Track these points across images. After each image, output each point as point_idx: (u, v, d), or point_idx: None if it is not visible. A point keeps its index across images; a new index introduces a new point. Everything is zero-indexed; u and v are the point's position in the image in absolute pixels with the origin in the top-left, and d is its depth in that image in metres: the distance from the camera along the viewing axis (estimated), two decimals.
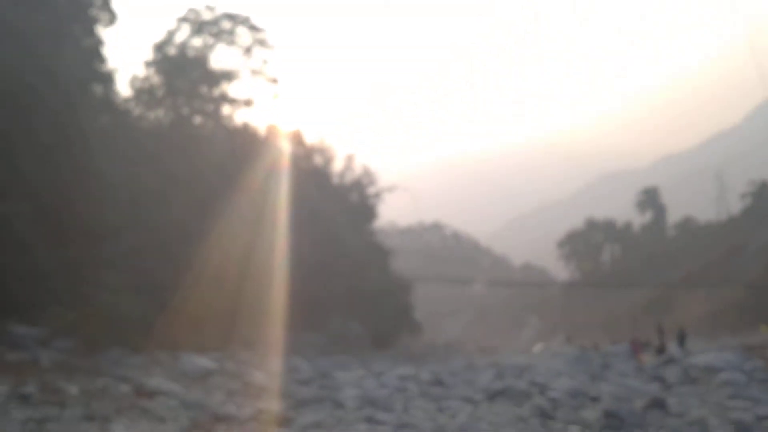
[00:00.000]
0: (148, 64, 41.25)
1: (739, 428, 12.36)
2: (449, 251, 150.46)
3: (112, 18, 30.37)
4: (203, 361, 20.69)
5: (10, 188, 22.44)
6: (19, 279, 21.22)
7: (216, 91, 42.30)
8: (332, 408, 15.76)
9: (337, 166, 56.75)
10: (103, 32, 30.20)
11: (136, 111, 40.10)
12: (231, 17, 43.62)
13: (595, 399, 17.03)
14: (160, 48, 41.60)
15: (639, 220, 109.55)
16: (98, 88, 30.27)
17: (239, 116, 43.98)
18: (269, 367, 23.25)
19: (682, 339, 33.63)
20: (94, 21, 29.73)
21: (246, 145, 40.60)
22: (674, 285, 78.61)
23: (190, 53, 42.07)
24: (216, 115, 42.72)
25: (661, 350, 32.94)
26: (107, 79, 31.16)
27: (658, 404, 15.18)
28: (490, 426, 13.46)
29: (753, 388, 18.57)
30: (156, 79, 40.93)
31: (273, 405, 15.29)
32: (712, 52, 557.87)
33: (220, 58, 42.83)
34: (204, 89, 41.84)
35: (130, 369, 17.90)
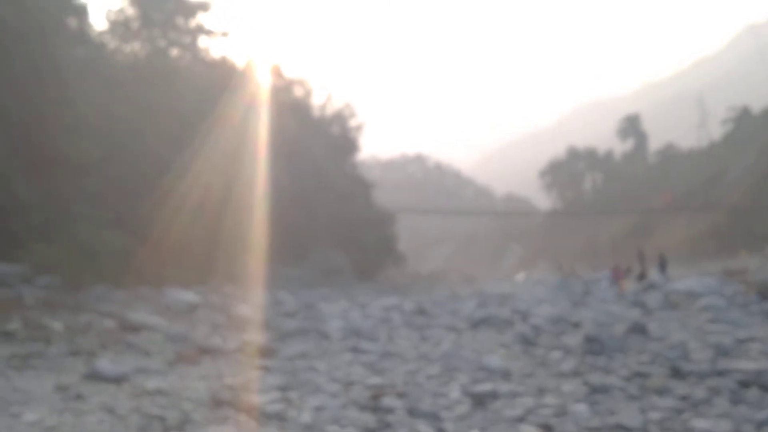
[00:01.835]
0: None
1: (718, 351, 12.49)
2: (432, 182, 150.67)
3: None
4: (187, 295, 20.69)
5: None
6: None
7: (192, 23, 41.54)
8: (317, 339, 15.87)
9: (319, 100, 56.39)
10: None
11: (112, 44, 39.39)
12: None
13: (576, 325, 17.18)
14: None
15: (620, 147, 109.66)
16: (72, 21, 29.69)
17: (217, 49, 43.38)
18: (253, 300, 23.32)
19: (663, 265, 33.93)
20: None
21: (224, 78, 40.01)
22: (655, 211, 79.13)
23: None
24: (193, 48, 42.09)
25: (642, 276, 33.29)
26: (81, 11, 30.58)
27: (639, 329, 15.32)
28: (473, 353, 13.59)
29: (732, 312, 18.79)
30: (131, 11, 40.01)
31: (258, 337, 15.35)
32: None
33: None
34: (180, 21, 41.04)
35: (114, 304, 17.91)
